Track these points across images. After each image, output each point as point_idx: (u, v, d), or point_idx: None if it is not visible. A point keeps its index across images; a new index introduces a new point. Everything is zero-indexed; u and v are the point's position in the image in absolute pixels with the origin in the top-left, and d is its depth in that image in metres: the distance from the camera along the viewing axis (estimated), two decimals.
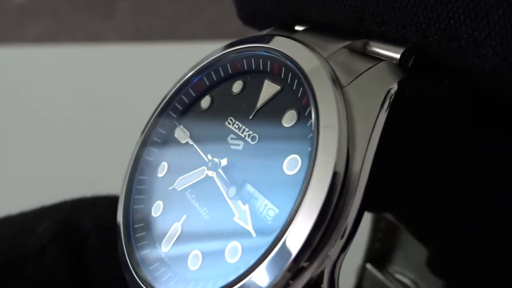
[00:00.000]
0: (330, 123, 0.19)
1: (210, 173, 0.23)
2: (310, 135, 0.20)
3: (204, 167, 0.23)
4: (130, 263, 0.22)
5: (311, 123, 0.20)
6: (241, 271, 0.18)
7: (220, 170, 0.22)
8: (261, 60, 0.24)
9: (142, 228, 0.23)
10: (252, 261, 0.18)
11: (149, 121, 0.26)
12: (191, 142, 0.24)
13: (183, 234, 0.22)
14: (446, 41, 0.19)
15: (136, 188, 0.25)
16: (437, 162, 0.23)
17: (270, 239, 0.18)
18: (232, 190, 0.21)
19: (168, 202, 0.23)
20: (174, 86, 0.27)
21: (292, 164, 0.20)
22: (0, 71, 0.73)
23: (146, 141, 0.26)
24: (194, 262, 0.21)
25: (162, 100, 0.27)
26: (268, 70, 0.23)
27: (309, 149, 0.19)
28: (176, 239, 0.22)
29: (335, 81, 0.20)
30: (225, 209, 0.21)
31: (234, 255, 0.20)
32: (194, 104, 0.26)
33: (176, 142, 0.25)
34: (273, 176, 0.20)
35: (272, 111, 0.22)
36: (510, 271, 0.24)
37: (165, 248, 0.22)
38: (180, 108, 0.26)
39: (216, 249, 0.20)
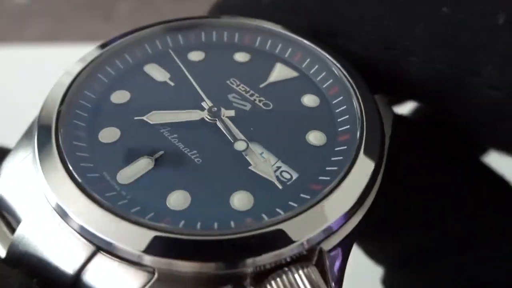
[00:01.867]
0: (371, 114, 0.21)
1: (208, 118, 0.22)
2: (341, 119, 0.22)
3: (198, 110, 0.22)
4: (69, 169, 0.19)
5: (342, 110, 0.22)
6: (264, 220, 0.18)
7: (226, 119, 0.22)
8: (280, 45, 0.25)
9: (84, 149, 0.20)
10: (281, 213, 0.18)
11: (116, 39, 0.25)
12: (171, 83, 0.23)
13: (158, 170, 0.20)
14: (383, 49, 0.22)
15: (80, 102, 0.22)
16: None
17: (303, 197, 0.19)
18: (243, 144, 0.21)
19: (130, 132, 0.21)
20: (163, 21, 0.26)
21: (317, 138, 0.21)
22: (0, 71, 0.73)
23: (106, 60, 0.24)
24: (178, 201, 0.19)
25: (142, 28, 0.25)
26: (286, 56, 0.25)
27: (340, 129, 0.21)
28: (146, 174, 0.20)
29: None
30: (234, 157, 0.21)
31: (245, 203, 0.19)
32: (179, 51, 0.25)
33: (147, 77, 0.24)
34: (294, 144, 0.21)
35: (289, 90, 0.23)
36: None
37: (124, 180, 0.20)
38: (160, 47, 0.25)
39: (217, 194, 0.19)
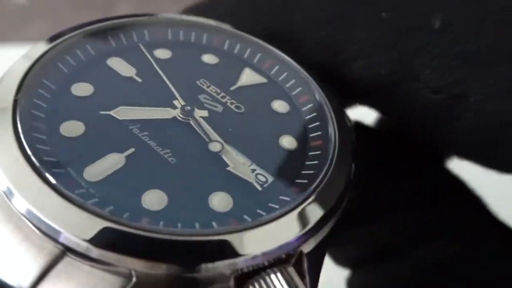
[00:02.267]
0: (342, 122, 0.22)
1: (181, 117, 0.21)
2: (312, 125, 0.22)
3: (169, 109, 0.21)
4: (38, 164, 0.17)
5: (313, 117, 0.22)
6: (247, 221, 0.18)
7: (200, 119, 0.21)
8: (249, 50, 0.25)
9: (44, 142, 0.19)
10: (263, 215, 0.18)
11: (78, 27, 0.23)
12: (138, 79, 0.22)
13: (129, 168, 0.19)
14: (331, 55, 0.22)
15: (39, 91, 0.20)
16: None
17: (283, 199, 0.19)
18: (217, 145, 0.21)
19: (95, 126, 0.20)
20: (127, 15, 0.25)
21: (290, 143, 0.21)
22: (0, 71, 0.72)
23: (66, 48, 0.23)
24: (154, 201, 0.18)
25: (105, 19, 0.24)
26: (254, 61, 0.25)
27: (311, 135, 0.22)
28: (117, 171, 0.19)
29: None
30: (210, 157, 0.20)
31: (224, 204, 0.19)
32: (145, 46, 0.24)
33: (111, 71, 0.22)
34: (268, 147, 0.21)
35: (258, 93, 0.23)
36: None
37: (92, 177, 0.18)
38: (124, 41, 0.24)
39: (195, 195, 0.19)
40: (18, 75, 0.21)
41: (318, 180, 0.20)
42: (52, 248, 0.16)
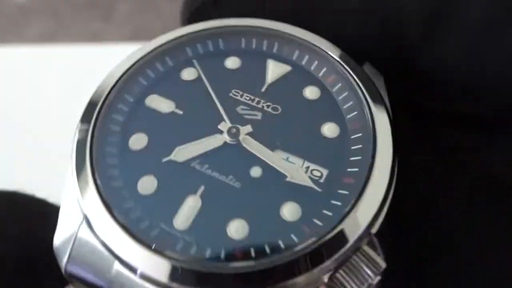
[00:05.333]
0: (374, 96, 0.23)
1: (230, 140, 0.22)
2: (347, 106, 0.23)
3: (217, 135, 0.22)
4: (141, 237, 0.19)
5: (345, 97, 0.23)
6: (319, 226, 0.19)
7: (247, 136, 0.22)
8: (265, 41, 0.25)
9: (130, 209, 0.20)
10: (329, 214, 0.20)
11: (112, 86, 0.24)
12: (179, 111, 0.23)
13: (207, 206, 0.20)
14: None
15: (107, 162, 0.21)
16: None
17: (342, 193, 0.20)
18: (272, 159, 0.21)
19: (165, 176, 0.21)
20: (147, 50, 0.25)
21: (331, 130, 0.22)
22: (0, 71, 0.73)
23: (109, 109, 0.23)
24: (237, 230, 0.19)
25: (131, 66, 0.25)
26: (274, 51, 0.25)
27: (348, 116, 0.22)
28: (199, 212, 0.20)
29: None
30: (268, 172, 0.21)
31: (294, 214, 0.20)
32: (171, 74, 0.25)
33: (153, 110, 0.23)
34: (313, 141, 0.22)
35: (288, 86, 0.24)
36: None
37: (181, 225, 0.20)
38: (153, 75, 0.25)
39: (267, 212, 0.20)
40: (91, 114, 0.23)
41: (367, 168, 0.20)
42: None
